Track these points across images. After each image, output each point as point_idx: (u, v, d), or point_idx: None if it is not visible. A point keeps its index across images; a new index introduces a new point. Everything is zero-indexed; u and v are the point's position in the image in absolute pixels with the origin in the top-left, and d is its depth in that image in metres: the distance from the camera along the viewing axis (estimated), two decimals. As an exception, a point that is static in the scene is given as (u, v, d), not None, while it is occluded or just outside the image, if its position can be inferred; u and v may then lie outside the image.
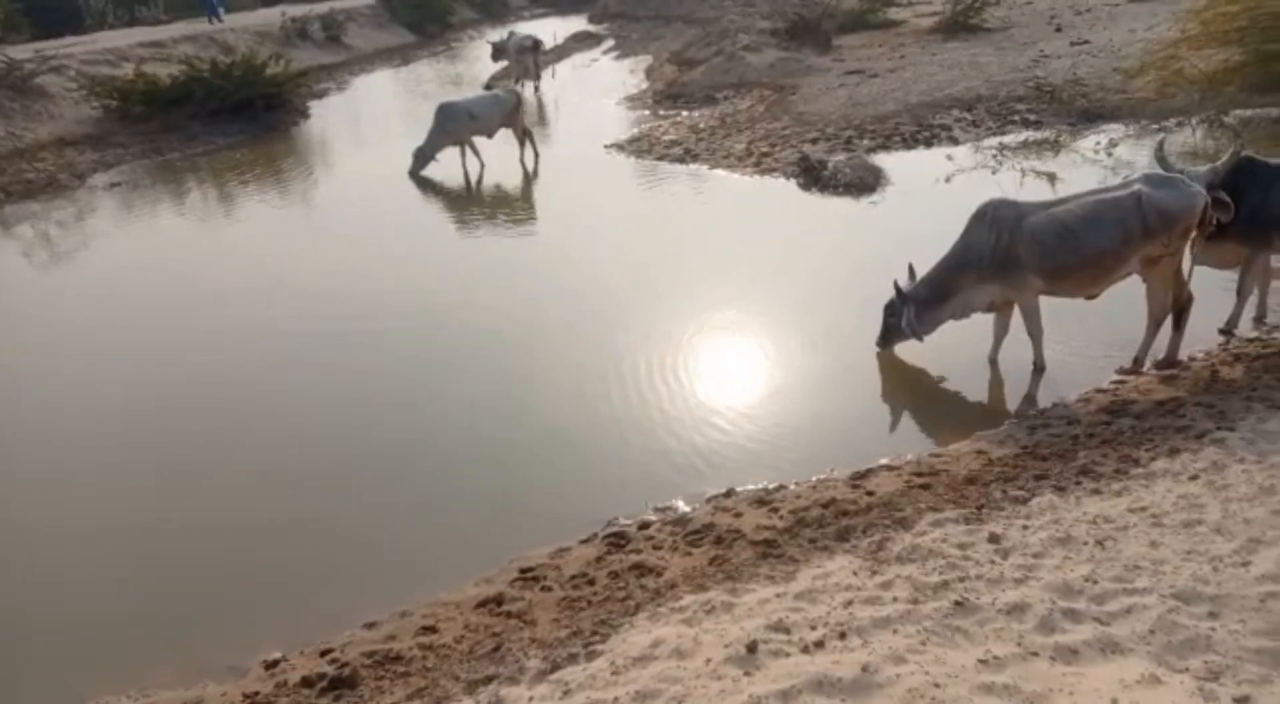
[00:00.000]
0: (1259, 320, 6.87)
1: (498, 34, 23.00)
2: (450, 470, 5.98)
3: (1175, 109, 12.59)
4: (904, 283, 6.59)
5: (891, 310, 6.68)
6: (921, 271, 6.60)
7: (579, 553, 4.91)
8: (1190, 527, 4.00)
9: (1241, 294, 6.66)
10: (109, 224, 12.88)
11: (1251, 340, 6.57)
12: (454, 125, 13.68)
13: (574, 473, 5.84)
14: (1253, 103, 11.43)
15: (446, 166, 13.80)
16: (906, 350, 6.86)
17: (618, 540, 4.96)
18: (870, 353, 6.92)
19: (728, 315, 7.97)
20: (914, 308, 6.51)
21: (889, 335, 6.80)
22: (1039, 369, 6.47)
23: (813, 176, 11.65)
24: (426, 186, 13.47)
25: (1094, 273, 6.15)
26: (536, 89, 21.68)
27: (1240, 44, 11.25)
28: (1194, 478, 4.54)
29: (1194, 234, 6.10)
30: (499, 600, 4.50)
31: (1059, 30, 19.83)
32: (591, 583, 4.56)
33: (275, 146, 17.51)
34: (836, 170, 11.50)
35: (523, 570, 4.77)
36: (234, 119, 18.27)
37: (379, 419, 6.67)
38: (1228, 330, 6.71)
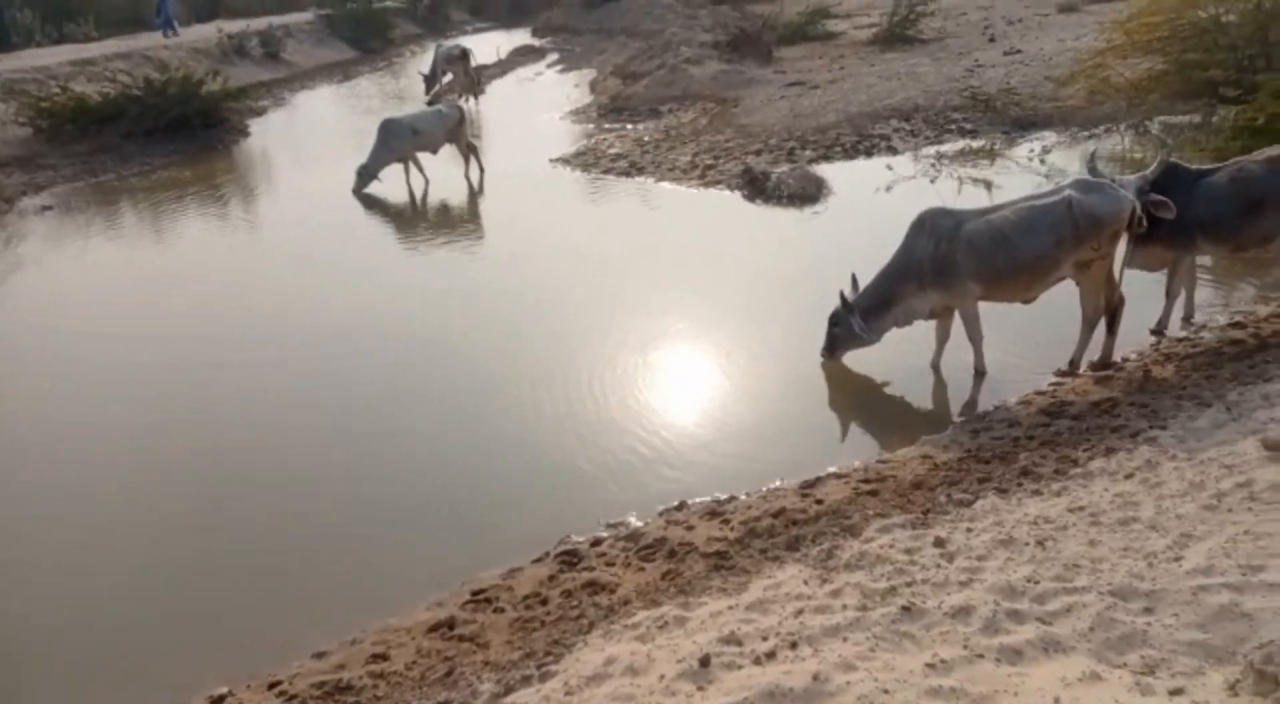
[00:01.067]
0: (1187, 320, 7.11)
1: (428, 62, 22.56)
2: (399, 493, 5.89)
3: (1104, 116, 13.00)
4: (847, 292, 6.69)
5: (836, 320, 6.77)
6: (864, 281, 6.71)
7: (531, 572, 4.88)
8: (1126, 524, 4.11)
9: (1170, 295, 6.89)
10: (41, 249, 12.49)
11: (1181, 340, 6.80)
12: (397, 142, 13.55)
13: (525, 491, 5.80)
14: (1175, 110, 11.84)
15: (390, 184, 13.68)
16: (852, 358, 6.96)
17: (570, 558, 4.94)
18: (817, 362, 7.00)
19: (676, 328, 8.01)
20: (858, 317, 6.63)
21: (835, 345, 6.89)
22: (980, 374, 6.61)
23: (757, 188, 11.79)
24: (371, 204, 13.32)
25: (1029, 277, 6.31)
26: (475, 100, 21.51)
27: (1162, 53, 11.64)
28: (1129, 476, 4.67)
29: (1124, 238, 6.31)
30: (450, 624, 4.45)
31: (992, 40, 20.35)
32: (544, 602, 4.54)
33: (214, 165, 17.17)
34: (780, 181, 11.65)
35: (474, 592, 4.73)
36: (170, 138, 17.86)
37: (323, 443, 6.58)
38: (1158, 331, 6.94)
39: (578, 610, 4.36)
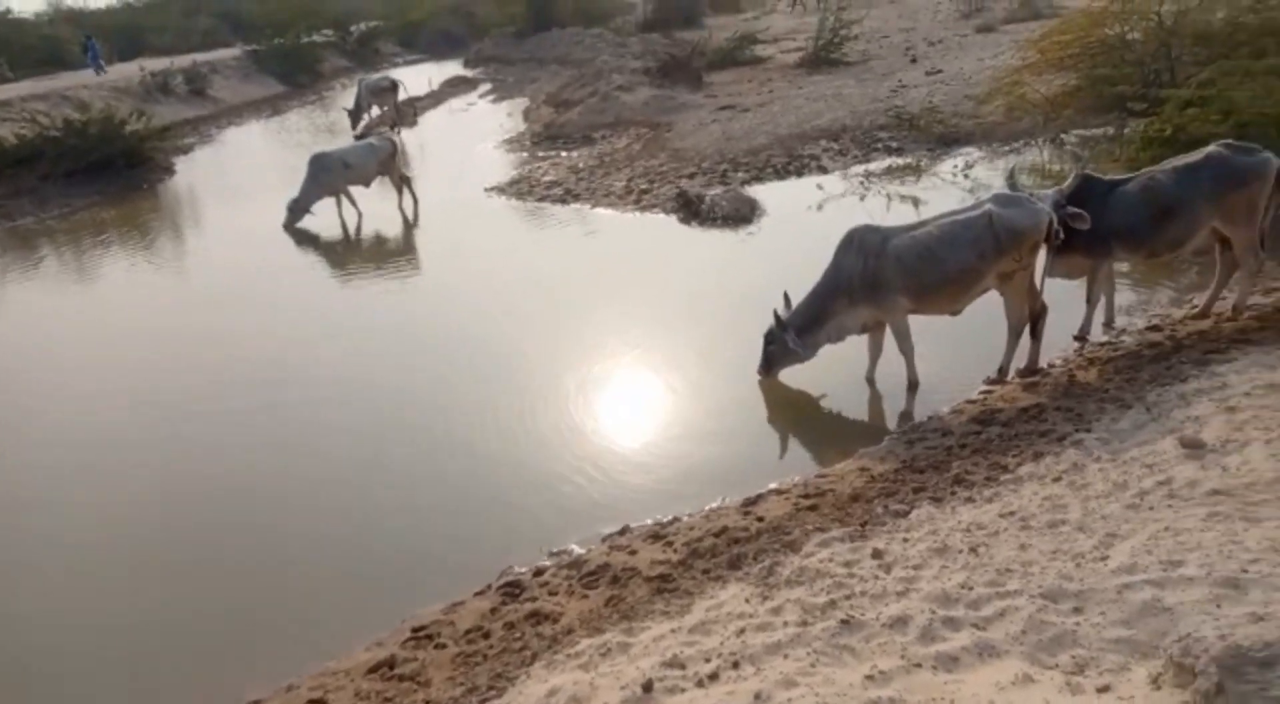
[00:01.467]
0: (1108, 325, 7.35)
1: (353, 98, 22.36)
2: (335, 530, 5.77)
3: (1023, 131, 13.46)
4: (781, 310, 6.78)
5: (771, 338, 6.85)
6: (798, 298, 6.81)
7: (473, 606, 4.81)
8: (1055, 527, 4.21)
9: (1091, 302, 7.12)
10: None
11: (1103, 344, 7.03)
12: (328, 176, 13.40)
13: (466, 523, 5.73)
14: (1089, 123, 12.30)
15: (323, 218, 13.50)
16: (788, 375, 7.04)
17: (513, 590, 4.89)
18: (755, 380, 7.06)
19: (615, 353, 8.02)
20: (793, 334, 6.71)
21: (771, 362, 6.97)
22: (913, 385, 6.74)
23: (691, 211, 11.90)
24: (303, 239, 13.12)
25: (955, 290, 6.46)
26: (397, 128, 21.31)
27: (1075, 70, 12.12)
28: (1057, 479, 4.79)
29: (1043, 249, 6.51)
30: (391, 664, 4.36)
31: (914, 61, 20.94)
32: (487, 636, 4.47)
33: (138, 205, 16.77)
34: (714, 204, 11.79)
35: (415, 629, 4.64)
36: (92, 179, 17.38)
37: (255, 482, 6.41)
38: (1081, 336, 7.16)
39: (520, 642, 4.30)
